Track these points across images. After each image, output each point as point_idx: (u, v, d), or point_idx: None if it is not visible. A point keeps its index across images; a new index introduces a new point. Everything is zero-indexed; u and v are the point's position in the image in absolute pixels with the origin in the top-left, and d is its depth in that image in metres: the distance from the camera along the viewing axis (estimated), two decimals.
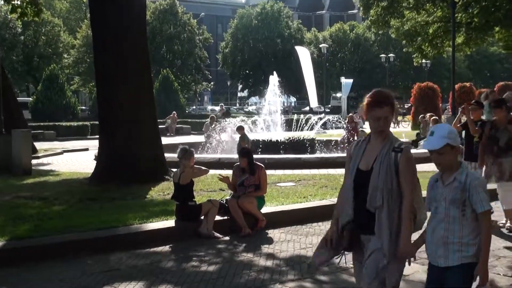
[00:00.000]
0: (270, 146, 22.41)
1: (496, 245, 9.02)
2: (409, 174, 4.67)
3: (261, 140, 22.94)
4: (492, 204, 10.87)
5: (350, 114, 31.56)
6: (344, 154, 23.46)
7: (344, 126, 28.79)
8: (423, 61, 47.40)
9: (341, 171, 16.99)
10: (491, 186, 10.66)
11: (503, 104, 10.23)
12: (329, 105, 78.87)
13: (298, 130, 28.70)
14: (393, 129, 46.77)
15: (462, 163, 4.57)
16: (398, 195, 4.66)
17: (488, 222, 4.40)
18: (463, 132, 11.11)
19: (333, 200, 11.75)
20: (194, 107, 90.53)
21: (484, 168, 10.38)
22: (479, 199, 4.36)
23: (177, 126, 45.90)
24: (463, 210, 4.40)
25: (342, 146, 25.42)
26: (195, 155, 10.68)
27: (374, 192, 4.65)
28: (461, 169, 4.51)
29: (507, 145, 10.09)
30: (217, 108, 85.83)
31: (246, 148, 11.44)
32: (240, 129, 20.62)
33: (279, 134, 25.43)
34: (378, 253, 4.68)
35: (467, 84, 45.28)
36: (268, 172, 11.28)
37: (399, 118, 53.27)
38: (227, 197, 10.72)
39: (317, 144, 23.79)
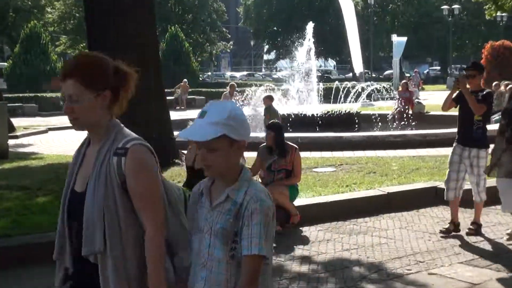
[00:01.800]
0: (305, 121, 22.38)
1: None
2: (145, 188, 3.51)
3: (293, 114, 22.91)
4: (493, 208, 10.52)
5: (404, 81, 31.38)
6: (397, 132, 23.30)
7: (396, 96, 28.66)
8: (498, 13, 46.87)
9: (393, 153, 16.96)
10: (491, 182, 10.00)
11: None
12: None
13: (339, 102, 28.63)
14: None
15: (244, 169, 3.47)
16: (136, 230, 3.54)
17: (252, 275, 3.28)
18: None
19: (383, 189, 11.74)
20: (210, 73, 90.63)
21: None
22: (250, 235, 3.27)
23: (189, 97, 45.95)
24: (233, 249, 3.34)
25: (393, 121, 25.32)
26: None
27: (90, 229, 3.50)
28: (241, 181, 3.40)
29: None
30: (238, 74, 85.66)
31: (275, 121, 11.35)
32: (268, 99, 20.43)
33: (316, 107, 25.39)
34: None
35: None
36: (302, 154, 11.26)
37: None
38: None
39: (362, 119, 23.71)
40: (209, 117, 3.32)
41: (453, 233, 9.68)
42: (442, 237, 9.56)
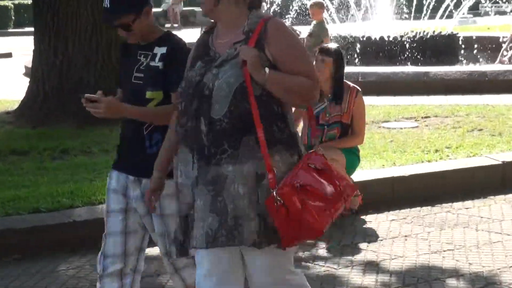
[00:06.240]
0: (373, 49, 22.31)
1: None
2: None
3: (354, 37, 22.80)
4: None
5: None
6: None
7: None
8: None
9: (511, 99, 16.79)
10: None
11: None
12: None
13: (423, 18, 28.46)
14: None
15: None
16: None
17: None
18: None
19: (496, 157, 11.68)
20: None
21: None
22: None
23: (184, 9, 46.10)
24: None
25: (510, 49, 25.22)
26: None
27: None
28: None
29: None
30: None
31: (335, 46, 10.99)
32: (318, 7, 19.80)
33: (387, 26, 25.27)
34: None
35: None
36: (366, 100, 11.18)
37: None
38: None
39: (462, 46, 23.61)
40: None
41: None
42: None
